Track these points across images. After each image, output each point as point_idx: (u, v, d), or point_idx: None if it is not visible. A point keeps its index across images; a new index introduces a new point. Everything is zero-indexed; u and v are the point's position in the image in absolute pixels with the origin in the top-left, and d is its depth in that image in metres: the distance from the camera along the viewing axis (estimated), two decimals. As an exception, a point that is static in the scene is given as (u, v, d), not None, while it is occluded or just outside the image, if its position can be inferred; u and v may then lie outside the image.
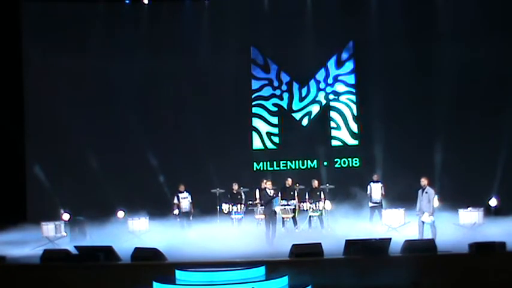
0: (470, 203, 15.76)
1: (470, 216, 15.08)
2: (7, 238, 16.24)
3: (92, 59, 19.87)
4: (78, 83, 20.04)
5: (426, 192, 14.00)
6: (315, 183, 16.89)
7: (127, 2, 20.74)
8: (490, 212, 16.81)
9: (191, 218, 17.17)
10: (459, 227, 14.94)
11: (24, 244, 15.43)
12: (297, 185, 16.97)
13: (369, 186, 16.80)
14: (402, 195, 16.42)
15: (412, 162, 18.39)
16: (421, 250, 12.20)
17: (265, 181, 15.30)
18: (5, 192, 19.01)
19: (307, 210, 16.56)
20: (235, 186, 17.16)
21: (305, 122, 20.82)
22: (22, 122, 20.30)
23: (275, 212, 14.85)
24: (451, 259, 12.06)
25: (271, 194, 14.83)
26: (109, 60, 19.92)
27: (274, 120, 20.93)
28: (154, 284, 9.92)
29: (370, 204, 16.69)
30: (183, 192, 17.22)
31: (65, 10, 20.01)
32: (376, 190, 16.68)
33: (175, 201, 17.24)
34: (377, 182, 16.85)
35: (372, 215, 16.59)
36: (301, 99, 20.86)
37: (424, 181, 14.11)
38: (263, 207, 15.39)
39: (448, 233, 14.15)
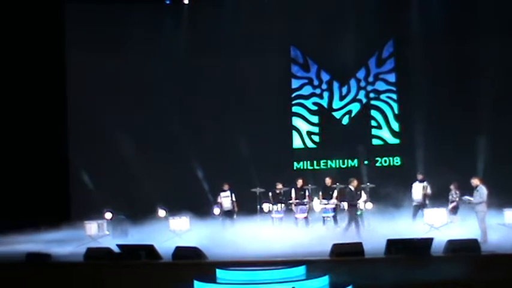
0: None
1: (515, 216, 14.80)
2: (52, 237, 16.61)
3: (133, 60, 20.10)
4: (120, 84, 20.31)
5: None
6: (354, 182, 16.81)
7: (167, 2, 20.89)
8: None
9: (235, 216, 17.23)
10: (504, 226, 14.65)
11: (69, 242, 15.73)
12: (337, 184, 16.90)
13: (412, 186, 16.63)
14: (444, 195, 16.18)
15: (454, 160, 18.12)
16: (464, 250, 12.00)
17: (350, 180, 15.71)
18: (50, 193, 19.37)
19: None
20: (279, 186, 17.19)
21: (345, 120, 20.70)
22: (65, 123, 20.65)
23: (357, 210, 15.35)
24: (496, 259, 11.84)
25: (357, 193, 15.40)
26: (150, 61, 20.13)
27: (315, 119, 20.86)
28: (195, 282, 9.96)
29: (414, 204, 16.50)
30: (226, 191, 17.30)
31: (107, 11, 20.24)
32: (417, 190, 16.47)
33: (219, 200, 17.37)
34: (421, 181, 16.59)
35: (415, 214, 16.37)
36: (342, 97, 20.75)
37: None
38: (346, 205, 15.70)
39: (492, 233, 13.90)
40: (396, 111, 20.47)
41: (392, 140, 20.49)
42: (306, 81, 20.97)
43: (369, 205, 16.39)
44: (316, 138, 20.83)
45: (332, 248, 12.37)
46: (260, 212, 17.32)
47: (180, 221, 16.29)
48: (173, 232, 16.02)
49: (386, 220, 15.57)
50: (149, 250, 12.98)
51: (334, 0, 20.28)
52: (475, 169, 17.14)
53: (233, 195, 17.33)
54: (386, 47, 20.58)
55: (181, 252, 12.87)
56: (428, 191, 16.44)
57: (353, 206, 15.38)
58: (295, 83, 21.00)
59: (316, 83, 20.92)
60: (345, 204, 16.47)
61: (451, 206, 15.77)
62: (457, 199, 15.83)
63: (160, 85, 20.10)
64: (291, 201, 16.96)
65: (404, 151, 20.01)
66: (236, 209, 17.32)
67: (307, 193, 17.05)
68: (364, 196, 16.38)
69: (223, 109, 20.26)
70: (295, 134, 20.89)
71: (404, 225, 15.28)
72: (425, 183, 16.50)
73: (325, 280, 9.92)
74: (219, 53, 20.17)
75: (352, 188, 15.47)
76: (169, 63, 20.13)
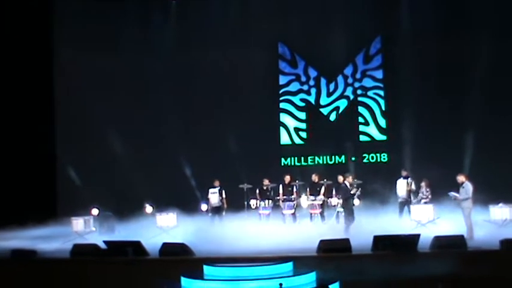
0: (502, 199, 15.54)
1: (501, 212, 14.88)
2: (39, 233, 16.50)
3: (122, 56, 19.99)
4: (107, 80, 20.19)
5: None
6: (340, 178, 16.85)
7: (156, -3, 20.81)
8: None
9: (223, 213, 17.19)
10: (490, 223, 14.74)
11: (55, 239, 15.64)
12: (325, 180, 16.94)
13: (397, 182, 16.69)
14: (431, 191, 16.25)
15: (441, 157, 18.18)
16: (451, 246, 12.06)
17: (341, 177, 15.83)
18: (37, 189, 19.25)
19: (335, 205, 16.53)
20: (266, 182, 17.18)
21: (333, 117, 20.72)
22: (53, 119, 20.53)
23: (353, 205, 15.20)
24: (482, 256, 11.91)
25: (351, 190, 15.24)
26: (139, 57, 20.00)
27: (302, 115, 20.88)
28: (183, 278, 9.96)
29: (399, 200, 16.57)
30: (215, 187, 17.26)
31: (95, 6, 20.09)
32: (401, 186, 16.55)
33: (208, 196, 17.33)
34: (405, 178, 16.68)
35: (401, 211, 16.45)
36: (329, 94, 20.77)
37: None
38: (340, 201, 15.69)
39: (478, 229, 13.97)
40: (383, 108, 20.53)
41: (379, 137, 20.55)
42: (293, 77, 20.97)
43: (356, 201, 16.41)
44: (303, 134, 20.85)
45: (319, 244, 12.40)
46: (247, 208, 17.32)
47: (167, 217, 16.28)
48: (160, 228, 15.99)
49: (373, 216, 15.59)
50: (136, 246, 12.96)
51: (321, -3, 20.31)
52: (462, 165, 17.24)
53: (223, 192, 17.28)
54: (374, 44, 20.62)
55: (168, 248, 12.86)
56: (413, 187, 16.53)
57: (348, 202, 15.34)
58: (282, 79, 21.00)
59: (303, 79, 20.93)
60: (332, 201, 16.58)
61: (422, 201, 15.89)
62: (429, 196, 15.96)
63: (148, 81, 20.03)
64: (278, 198, 16.97)
65: (391, 147, 20.08)
66: (225, 205, 17.27)
67: (294, 189, 17.07)
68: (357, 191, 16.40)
69: (211, 105, 20.21)
70: (282, 130, 20.89)
71: (391, 222, 15.32)
72: (409, 180, 16.59)
73: (312, 276, 9.95)
74: (206, 49, 20.11)
75: (348, 184, 15.44)
76: (157, 59, 20.04)
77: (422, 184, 16.27)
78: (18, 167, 19.07)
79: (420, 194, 16.20)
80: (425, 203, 15.82)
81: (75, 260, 12.93)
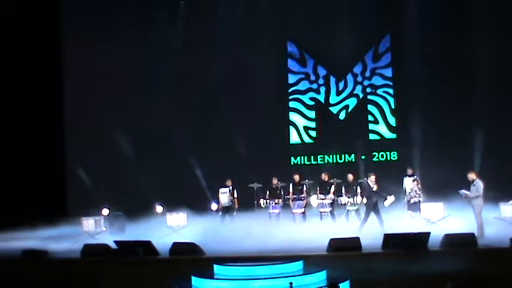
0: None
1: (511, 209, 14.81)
2: (49, 233, 16.58)
3: (132, 57, 20.00)
4: (117, 80, 20.23)
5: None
6: (350, 177, 16.83)
7: (164, -3, 20.85)
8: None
9: (234, 213, 17.17)
10: (500, 220, 14.67)
11: (65, 239, 15.72)
12: (334, 179, 16.93)
13: (403, 181, 16.66)
14: (441, 189, 16.19)
15: (450, 155, 18.13)
16: (461, 244, 12.03)
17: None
18: (47, 189, 19.35)
19: (344, 204, 16.52)
20: (274, 181, 17.19)
21: (342, 115, 20.68)
22: (62, 119, 20.61)
23: (376, 203, 15.10)
24: (492, 253, 11.87)
25: (373, 188, 15.19)
26: (147, 57, 20.04)
27: (311, 114, 20.85)
28: (193, 278, 9.99)
29: (407, 198, 16.53)
30: (226, 187, 17.24)
31: (103, 5, 20.16)
32: (408, 184, 16.51)
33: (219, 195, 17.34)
34: (411, 176, 16.65)
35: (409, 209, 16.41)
36: (338, 93, 20.73)
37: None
38: (362, 198, 15.80)
39: (489, 227, 13.92)
40: (393, 106, 20.46)
41: (389, 135, 20.48)
42: (302, 76, 20.94)
43: (387, 202, 16.16)
44: (313, 133, 20.82)
45: (329, 243, 12.40)
46: (257, 208, 17.33)
47: (177, 217, 16.29)
48: (170, 228, 16.01)
49: (383, 215, 15.56)
50: (146, 246, 13.00)
51: (331, -5, 20.27)
52: (472, 163, 17.16)
53: (235, 191, 17.25)
54: (383, 42, 20.55)
55: (178, 247, 12.89)
56: (419, 185, 16.47)
57: (370, 200, 15.24)
58: (291, 78, 20.97)
59: (313, 78, 20.90)
60: (342, 199, 16.58)
61: (412, 201, 15.88)
62: (421, 195, 16.01)
63: (158, 81, 20.04)
64: (288, 197, 16.98)
65: (401, 146, 20.01)
66: (236, 205, 17.24)
67: (304, 188, 17.08)
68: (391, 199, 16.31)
69: (220, 105, 20.19)
70: (292, 129, 20.87)
71: (401, 220, 15.31)
72: (415, 177, 16.55)
73: (322, 275, 9.96)
74: (215, 48, 20.12)
75: (370, 183, 15.36)
76: (167, 59, 20.06)
77: (414, 183, 16.23)
78: (28, 168, 19.18)
79: (412, 193, 16.15)
80: (415, 202, 15.79)
81: (85, 260, 13.00)
